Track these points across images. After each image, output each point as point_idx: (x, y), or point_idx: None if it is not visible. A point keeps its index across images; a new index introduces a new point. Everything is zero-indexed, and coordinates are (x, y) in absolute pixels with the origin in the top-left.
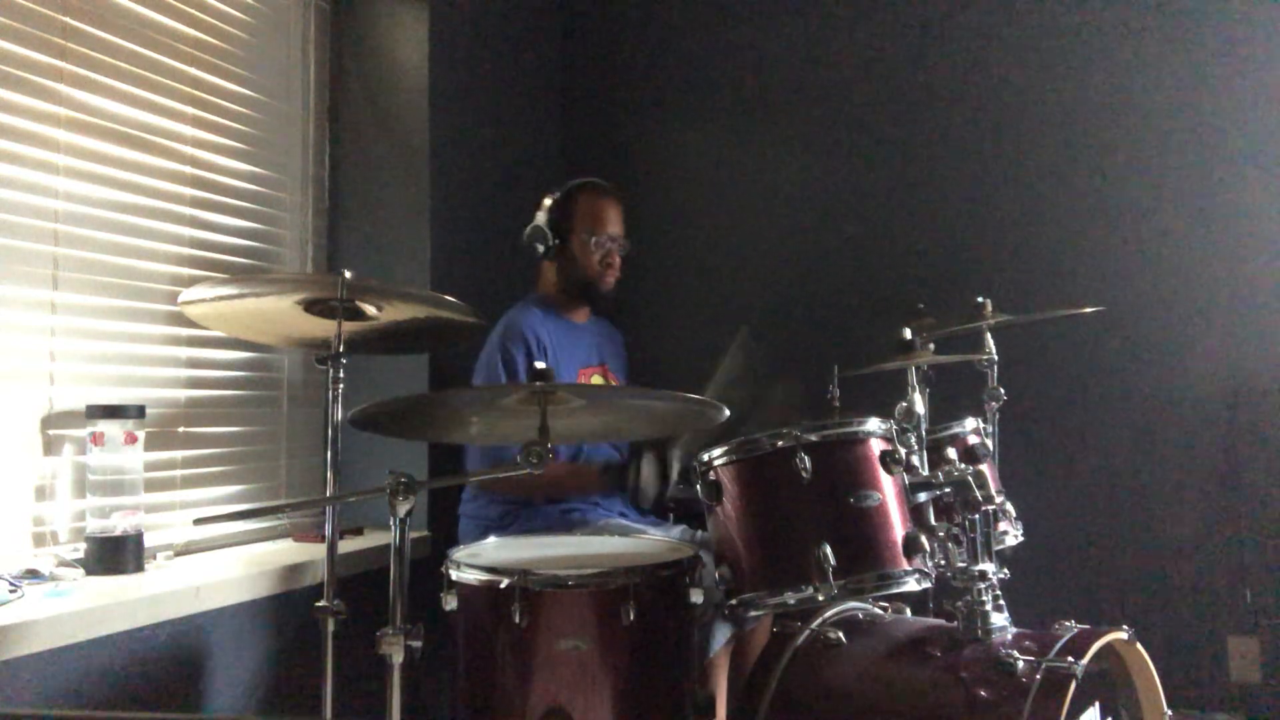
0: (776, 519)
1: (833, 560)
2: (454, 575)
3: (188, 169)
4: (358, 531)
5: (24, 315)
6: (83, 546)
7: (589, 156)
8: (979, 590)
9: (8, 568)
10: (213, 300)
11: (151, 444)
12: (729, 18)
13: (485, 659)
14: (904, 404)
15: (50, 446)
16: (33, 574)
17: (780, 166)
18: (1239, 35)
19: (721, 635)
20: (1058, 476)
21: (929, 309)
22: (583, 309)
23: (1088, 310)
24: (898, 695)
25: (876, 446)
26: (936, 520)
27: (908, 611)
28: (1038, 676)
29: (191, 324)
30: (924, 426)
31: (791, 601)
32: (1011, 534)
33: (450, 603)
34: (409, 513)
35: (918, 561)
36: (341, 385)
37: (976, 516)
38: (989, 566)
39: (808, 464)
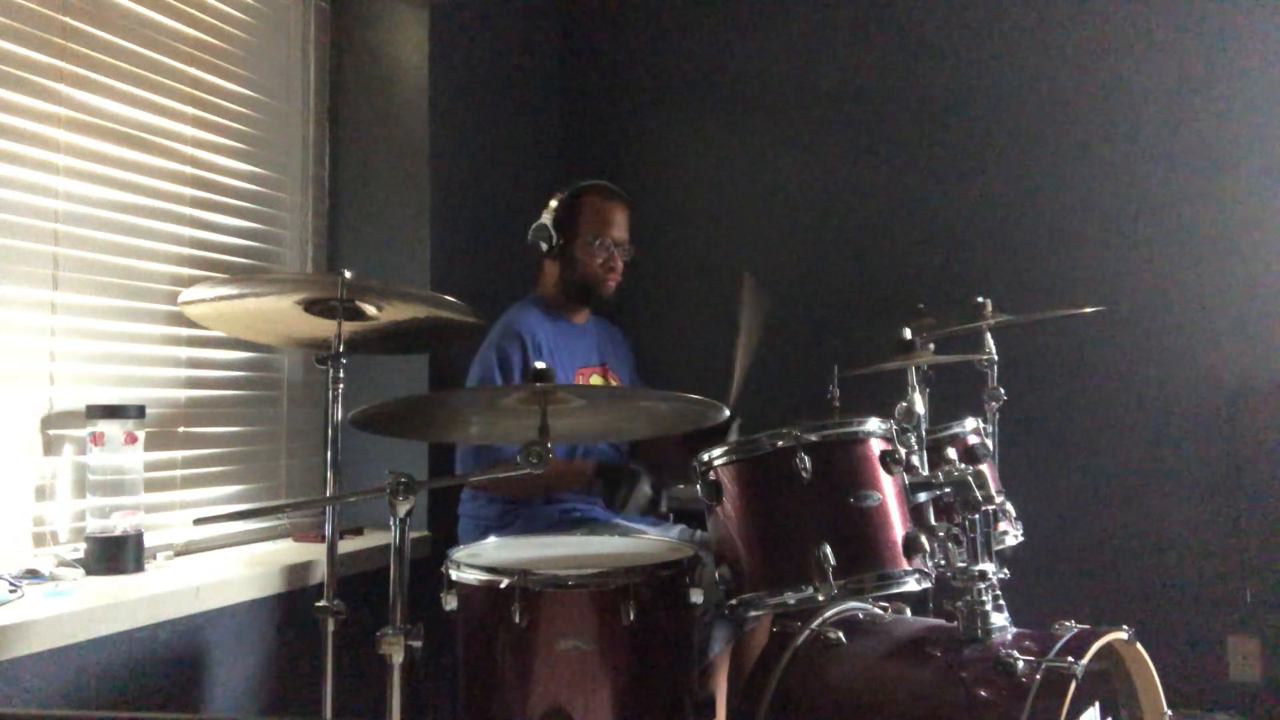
0: (776, 519)
1: (833, 560)
2: (454, 575)
3: (188, 169)
4: (358, 531)
5: (24, 315)
6: (83, 546)
7: (589, 156)
8: (979, 590)
9: (8, 568)
10: (213, 300)
11: (151, 444)
12: (729, 18)
13: (485, 659)
14: (904, 404)
15: (50, 446)
16: (33, 574)
17: (780, 167)
18: (1239, 35)
19: (721, 635)
20: (1058, 476)
21: (929, 309)
22: (583, 310)
23: (1088, 310)
24: (898, 695)
25: (876, 446)
26: (936, 520)
27: (908, 611)
28: (1038, 676)
29: (191, 324)
30: (924, 426)
31: (791, 601)
32: (1011, 534)
33: (450, 603)
34: (409, 513)
35: (918, 561)
36: (341, 385)
37: (976, 516)
38: (989, 566)
39: (808, 464)
